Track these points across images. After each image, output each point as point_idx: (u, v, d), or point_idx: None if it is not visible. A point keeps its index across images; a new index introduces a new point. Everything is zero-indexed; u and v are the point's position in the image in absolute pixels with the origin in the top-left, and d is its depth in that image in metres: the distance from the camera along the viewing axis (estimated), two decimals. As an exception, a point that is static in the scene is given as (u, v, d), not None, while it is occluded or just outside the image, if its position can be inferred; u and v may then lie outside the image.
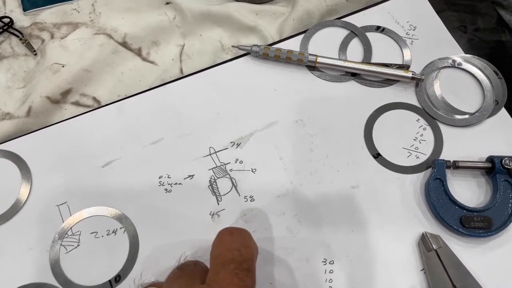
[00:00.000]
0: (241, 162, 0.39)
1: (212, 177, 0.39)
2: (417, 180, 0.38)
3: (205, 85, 0.43)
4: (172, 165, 0.39)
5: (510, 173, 0.37)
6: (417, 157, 0.39)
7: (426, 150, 0.40)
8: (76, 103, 0.44)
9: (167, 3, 0.48)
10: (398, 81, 0.42)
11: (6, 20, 0.46)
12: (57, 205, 0.38)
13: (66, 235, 0.37)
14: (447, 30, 0.45)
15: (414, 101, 0.42)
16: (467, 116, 0.41)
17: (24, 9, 0.48)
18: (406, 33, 0.45)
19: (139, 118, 0.41)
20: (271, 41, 0.46)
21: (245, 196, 0.38)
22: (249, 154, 0.40)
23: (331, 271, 0.35)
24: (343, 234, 0.36)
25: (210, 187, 0.38)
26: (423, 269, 0.35)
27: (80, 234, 0.37)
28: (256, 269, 0.28)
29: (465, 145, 0.40)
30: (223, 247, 0.28)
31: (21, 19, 0.48)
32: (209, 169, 0.39)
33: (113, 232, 0.37)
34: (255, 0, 0.48)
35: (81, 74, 0.44)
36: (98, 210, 0.38)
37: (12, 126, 0.42)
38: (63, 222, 0.37)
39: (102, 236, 0.37)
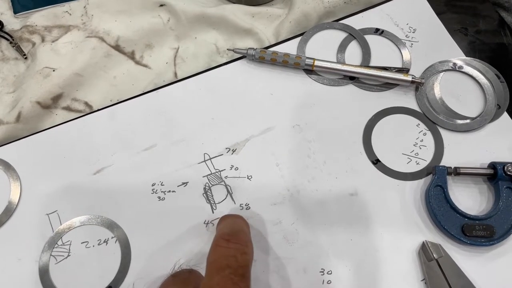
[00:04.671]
0: (236, 168, 0.38)
1: (207, 184, 0.38)
2: (417, 187, 0.37)
3: (199, 89, 0.42)
4: (165, 172, 0.38)
5: (513, 180, 0.36)
6: (417, 163, 0.38)
7: (426, 156, 0.39)
8: (68, 108, 0.43)
9: (161, 5, 0.47)
10: (397, 85, 0.41)
11: (-4, 23, 0.45)
12: (47, 214, 0.37)
13: (56, 245, 0.36)
14: (448, 33, 0.44)
15: (414, 106, 0.41)
16: (468, 120, 0.40)
17: (15, 12, 0.47)
18: (406, 36, 0.44)
19: (131, 124, 0.40)
20: (267, 44, 0.45)
21: (240, 204, 0.37)
22: (245, 161, 0.39)
23: (329, 282, 0.34)
24: (342, 243, 0.35)
25: (204, 194, 0.37)
26: (423, 279, 0.34)
27: (70, 244, 0.36)
28: (251, 278, 0.27)
29: (466, 150, 0.39)
30: (218, 253, 0.28)
31: (12, 22, 0.46)
32: (204, 176, 0.38)
33: (104, 241, 0.36)
34: (251, 2, 0.47)
35: (73, 78, 0.43)
36: (89, 219, 0.37)
37: (1, 132, 0.40)
38: (53, 231, 0.36)
39: (93, 246, 0.36)
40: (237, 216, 0.34)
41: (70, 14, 0.46)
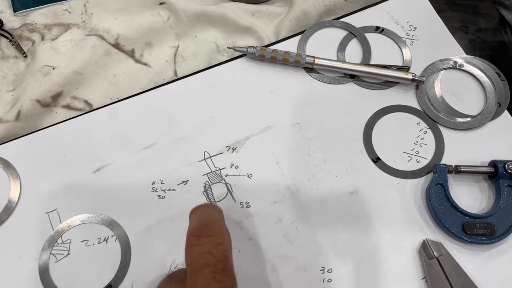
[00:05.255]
0: (236, 167, 0.38)
1: (207, 183, 0.38)
2: (417, 185, 0.37)
3: (199, 88, 0.42)
4: (165, 170, 0.38)
5: (513, 178, 0.36)
6: (418, 162, 0.38)
7: (427, 154, 0.39)
8: (67, 107, 0.42)
9: (161, 4, 0.46)
10: (398, 83, 0.41)
11: (-4, 21, 0.45)
12: (47, 212, 0.37)
13: (56, 243, 0.36)
14: (448, 31, 0.44)
15: (415, 104, 0.41)
16: (469, 119, 0.40)
17: (15, 10, 0.47)
18: (406, 34, 0.44)
19: (131, 122, 0.40)
20: (267, 42, 0.44)
21: (240, 202, 0.37)
22: (245, 159, 0.38)
23: (329, 280, 0.34)
24: (342, 242, 0.35)
25: (204, 193, 0.37)
26: (424, 277, 0.34)
27: (70, 242, 0.36)
28: (237, 270, 0.26)
29: (467, 149, 0.39)
30: (193, 253, 0.26)
31: (11, 20, 0.46)
32: (204, 175, 0.38)
33: (104, 240, 0.36)
34: (251, 0, 0.47)
35: (73, 77, 0.43)
36: (89, 217, 0.37)
37: (0, 131, 0.40)
38: (53, 229, 0.36)
39: (93, 244, 0.36)
40: (206, 206, 0.31)
41: (70, 12, 0.46)
